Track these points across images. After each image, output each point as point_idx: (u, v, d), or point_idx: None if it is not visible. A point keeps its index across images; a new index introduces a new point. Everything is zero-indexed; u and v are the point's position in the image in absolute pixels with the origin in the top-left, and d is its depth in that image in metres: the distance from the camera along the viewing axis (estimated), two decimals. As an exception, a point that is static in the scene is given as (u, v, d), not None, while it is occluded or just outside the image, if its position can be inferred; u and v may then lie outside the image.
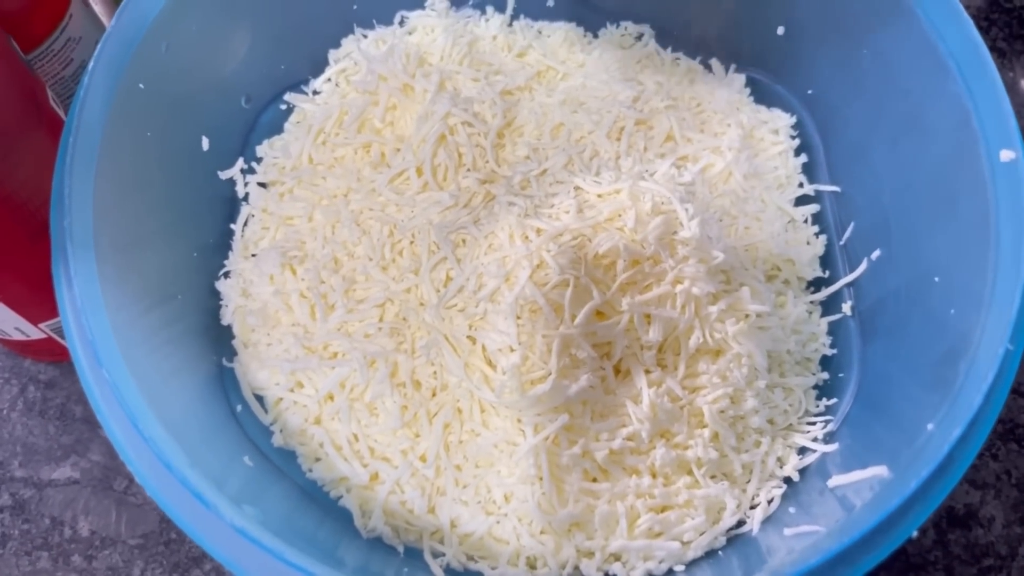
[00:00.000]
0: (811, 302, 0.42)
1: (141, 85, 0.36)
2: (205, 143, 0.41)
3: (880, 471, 0.30)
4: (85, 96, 0.33)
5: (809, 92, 0.44)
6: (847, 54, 0.41)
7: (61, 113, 0.37)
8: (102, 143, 0.33)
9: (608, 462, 0.36)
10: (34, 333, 0.41)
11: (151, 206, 0.38)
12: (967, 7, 0.36)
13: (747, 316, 0.39)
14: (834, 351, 0.41)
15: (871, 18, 0.39)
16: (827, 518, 0.32)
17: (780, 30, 0.44)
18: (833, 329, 0.41)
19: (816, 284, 0.43)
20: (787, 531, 0.33)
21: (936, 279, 0.35)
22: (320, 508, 0.37)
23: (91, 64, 0.34)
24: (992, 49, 0.35)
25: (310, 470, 0.38)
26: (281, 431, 0.39)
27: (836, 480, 0.33)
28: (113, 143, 0.34)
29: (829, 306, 0.42)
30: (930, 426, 0.30)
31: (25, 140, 0.34)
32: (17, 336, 0.41)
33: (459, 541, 0.36)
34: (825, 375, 0.40)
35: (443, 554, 0.36)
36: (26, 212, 0.35)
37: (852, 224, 0.42)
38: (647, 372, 0.37)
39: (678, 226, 0.39)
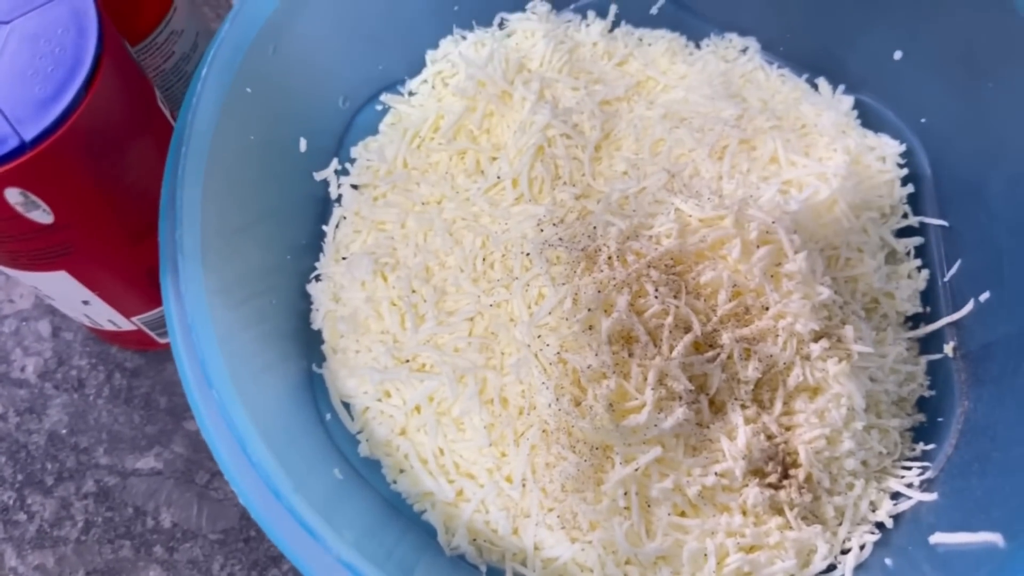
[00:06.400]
0: (910, 339, 0.41)
1: (248, 89, 0.36)
2: (303, 144, 0.41)
3: (993, 539, 0.29)
4: (197, 103, 0.33)
5: (922, 120, 0.43)
6: (968, 85, 0.39)
7: (167, 114, 0.37)
8: (210, 150, 0.33)
9: (699, 498, 0.35)
10: (126, 325, 0.41)
11: (250, 210, 0.38)
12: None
13: (849, 355, 0.38)
14: (932, 392, 0.40)
15: (1000, 50, 0.37)
16: (930, 579, 0.31)
17: (897, 54, 0.42)
18: (932, 370, 0.40)
19: (915, 320, 0.42)
20: (887, 588, 0.32)
21: (1056, 333, 0.34)
22: (403, 520, 0.37)
23: (204, 70, 0.33)
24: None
25: (394, 481, 0.38)
26: (367, 441, 0.39)
27: (940, 538, 0.32)
28: (220, 149, 0.34)
29: (927, 345, 0.41)
30: (1052, 498, 0.29)
31: (136, 143, 0.34)
32: (108, 327, 0.42)
33: (543, 565, 0.36)
34: (922, 417, 0.39)
35: (526, 577, 0.36)
36: (131, 214, 0.35)
37: (959, 261, 0.41)
38: (743, 407, 0.37)
39: (783, 258, 0.38)
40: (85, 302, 0.38)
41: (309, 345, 0.40)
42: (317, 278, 0.42)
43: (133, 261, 0.37)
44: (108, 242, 0.35)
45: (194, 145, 0.32)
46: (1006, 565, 0.28)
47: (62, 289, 0.37)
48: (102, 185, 0.33)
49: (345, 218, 0.43)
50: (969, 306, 0.40)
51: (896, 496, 0.37)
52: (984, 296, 0.39)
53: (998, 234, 0.39)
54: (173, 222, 0.31)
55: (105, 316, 0.40)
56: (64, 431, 0.44)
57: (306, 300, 0.41)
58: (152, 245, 0.33)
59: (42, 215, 0.32)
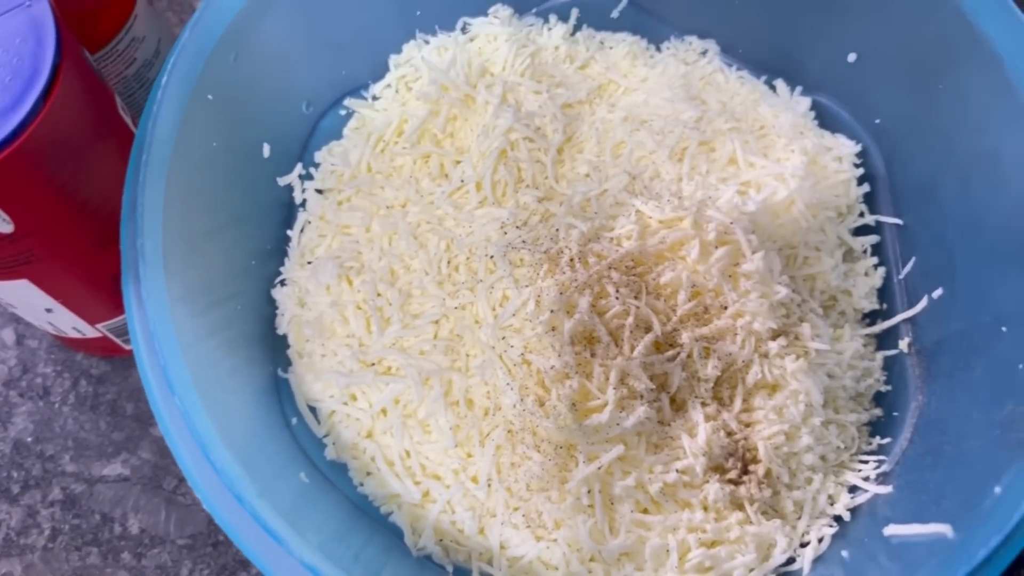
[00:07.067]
0: (867, 335, 0.42)
1: (210, 96, 0.36)
2: (266, 150, 0.41)
3: (943, 530, 0.30)
4: (157, 111, 0.33)
5: (877, 121, 0.43)
6: (921, 86, 0.40)
7: (128, 121, 0.37)
8: (172, 158, 0.33)
9: (661, 495, 0.36)
10: (90, 332, 0.41)
11: (213, 216, 0.38)
12: None
13: (806, 352, 0.38)
14: (888, 387, 0.41)
15: (950, 54, 0.38)
16: (884, 570, 0.32)
17: (851, 57, 0.43)
18: (888, 365, 0.41)
19: (872, 317, 0.43)
20: (843, 580, 0.33)
21: (1004, 329, 0.35)
22: (370, 523, 0.37)
23: (164, 78, 0.33)
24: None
25: (361, 484, 0.38)
26: (334, 444, 0.39)
27: (893, 530, 0.33)
28: (181, 157, 0.34)
29: (884, 340, 0.42)
30: (998, 489, 0.29)
31: (97, 151, 0.34)
32: (73, 334, 0.42)
33: (509, 564, 0.36)
34: (879, 412, 0.40)
35: (492, 576, 0.36)
36: (94, 222, 0.35)
37: (913, 259, 0.42)
38: (703, 405, 0.37)
39: (741, 258, 0.39)
40: (48, 310, 0.38)
41: (275, 350, 0.40)
42: (282, 283, 0.42)
43: (97, 269, 0.37)
44: (71, 250, 0.35)
45: (155, 152, 0.32)
46: (954, 555, 0.29)
47: (24, 297, 0.37)
48: (63, 194, 0.33)
49: (310, 222, 0.43)
50: (923, 302, 0.40)
51: (853, 489, 0.38)
52: (937, 292, 0.40)
53: (950, 232, 0.40)
54: (134, 230, 0.31)
55: (69, 324, 0.40)
56: (30, 439, 0.44)
57: (271, 305, 0.41)
58: (116, 253, 0.33)
59: (2, 224, 0.31)
